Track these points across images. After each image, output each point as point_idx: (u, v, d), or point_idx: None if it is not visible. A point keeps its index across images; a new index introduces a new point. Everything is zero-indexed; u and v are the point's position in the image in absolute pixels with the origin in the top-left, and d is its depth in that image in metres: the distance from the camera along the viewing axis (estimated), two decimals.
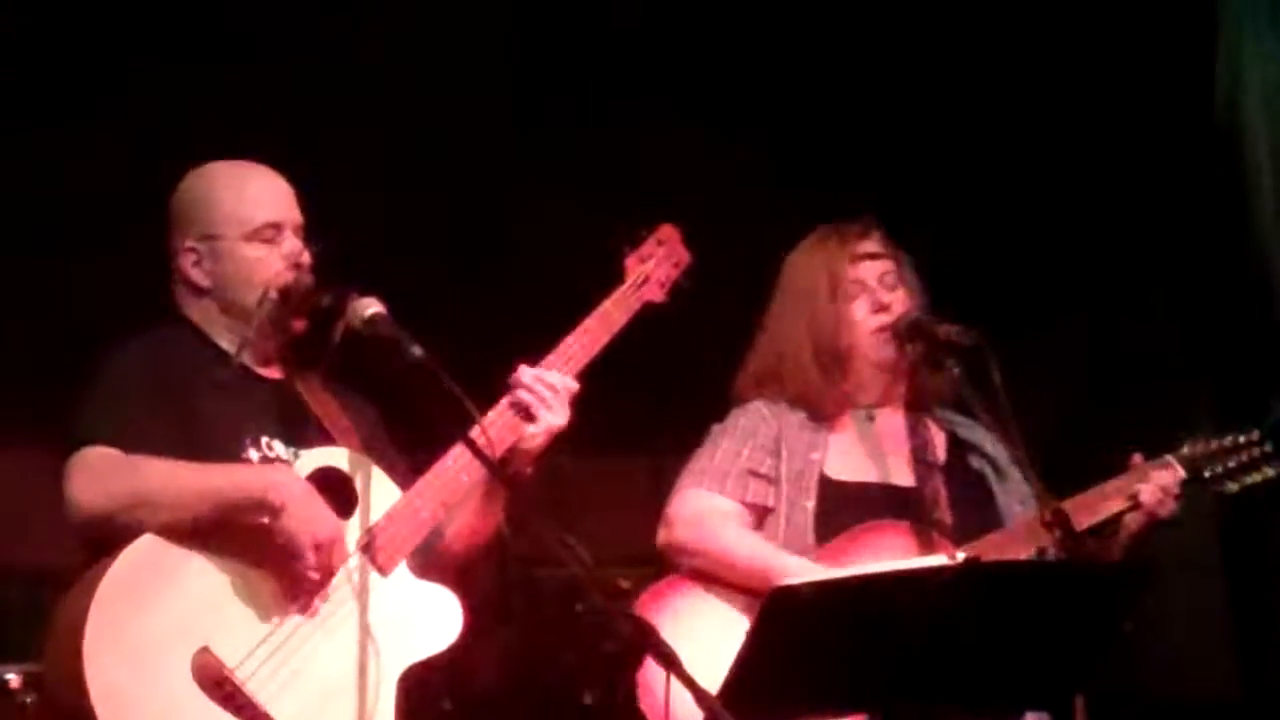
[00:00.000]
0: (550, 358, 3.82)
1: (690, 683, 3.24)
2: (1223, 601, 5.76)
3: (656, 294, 4.02)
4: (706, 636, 3.95)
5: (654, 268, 4.03)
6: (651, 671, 3.85)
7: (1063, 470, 4.26)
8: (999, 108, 5.82)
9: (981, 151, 5.84)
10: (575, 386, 3.79)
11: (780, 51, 5.82)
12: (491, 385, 3.77)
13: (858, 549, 4.12)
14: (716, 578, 4.17)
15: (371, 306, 3.58)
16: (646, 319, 4.00)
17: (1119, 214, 5.84)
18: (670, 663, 3.25)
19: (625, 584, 3.76)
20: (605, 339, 3.88)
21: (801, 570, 4.03)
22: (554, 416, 3.75)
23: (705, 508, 4.23)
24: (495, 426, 3.70)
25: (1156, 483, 4.12)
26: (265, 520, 3.51)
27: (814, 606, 3.37)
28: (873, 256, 4.29)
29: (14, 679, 4.61)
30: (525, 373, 3.77)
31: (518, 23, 5.66)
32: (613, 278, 3.98)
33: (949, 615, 3.39)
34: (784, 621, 3.36)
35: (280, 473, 3.60)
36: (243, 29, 5.41)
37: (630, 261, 4.02)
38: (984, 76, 5.81)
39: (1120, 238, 5.83)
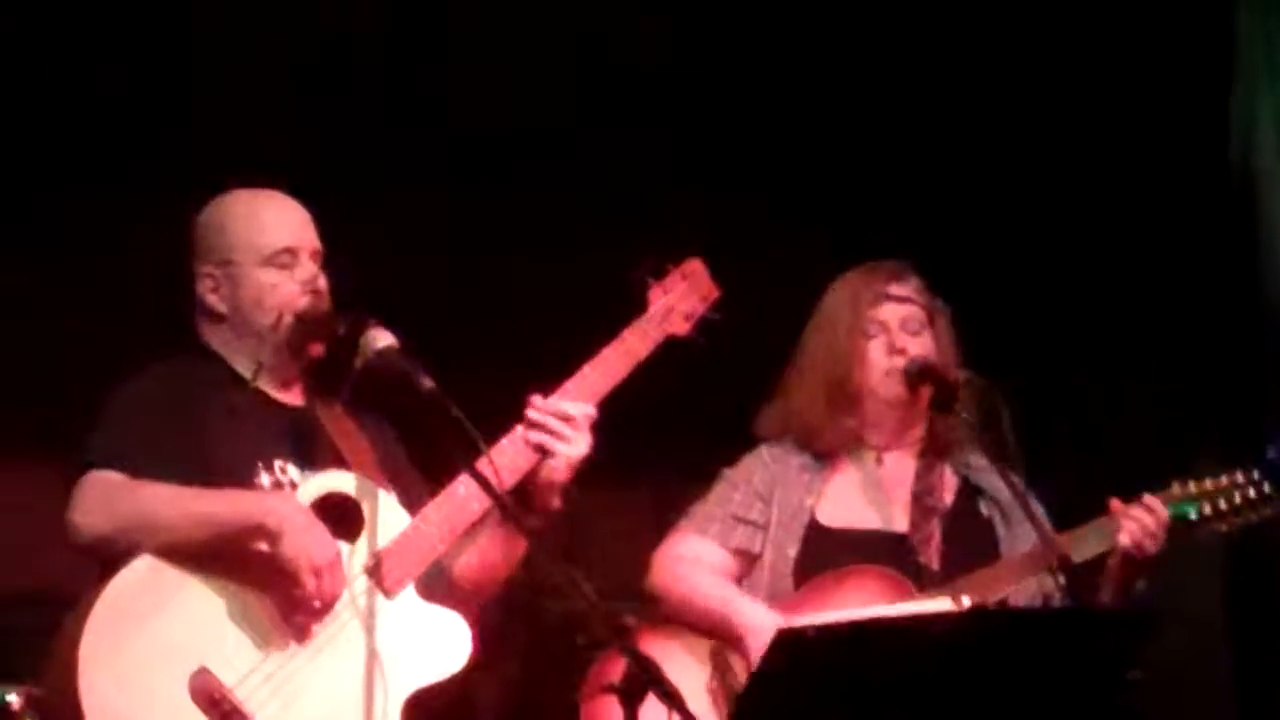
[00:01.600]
0: (567, 386, 3.79)
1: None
2: (1227, 659, 5.74)
3: (680, 327, 3.99)
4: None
5: (678, 300, 4.00)
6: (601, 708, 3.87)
7: (1071, 517, 4.25)
8: (1005, 153, 5.83)
9: (985, 197, 5.85)
10: (593, 413, 3.76)
11: (799, 91, 5.83)
12: (510, 411, 3.75)
13: (831, 594, 4.11)
14: (684, 623, 4.17)
15: (382, 339, 3.58)
16: (654, 355, 3.98)
17: (1129, 257, 5.84)
18: (672, 700, 3.25)
19: (630, 620, 3.77)
20: (625, 371, 3.86)
21: (756, 614, 4.05)
22: (572, 448, 3.72)
23: (683, 553, 4.25)
24: (507, 455, 3.68)
25: (1137, 522, 4.06)
26: (264, 546, 3.51)
27: (817, 649, 3.36)
28: (899, 300, 4.28)
29: (15, 700, 4.60)
30: (538, 403, 3.74)
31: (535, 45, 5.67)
32: (636, 307, 3.96)
33: (951, 660, 3.38)
34: (787, 663, 3.35)
35: (278, 499, 3.60)
36: (243, 34, 5.43)
37: (653, 293, 3.99)
38: (994, 124, 5.82)
39: (1129, 281, 5.83)
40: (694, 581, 4.19)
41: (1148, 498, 4.10)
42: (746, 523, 4.24)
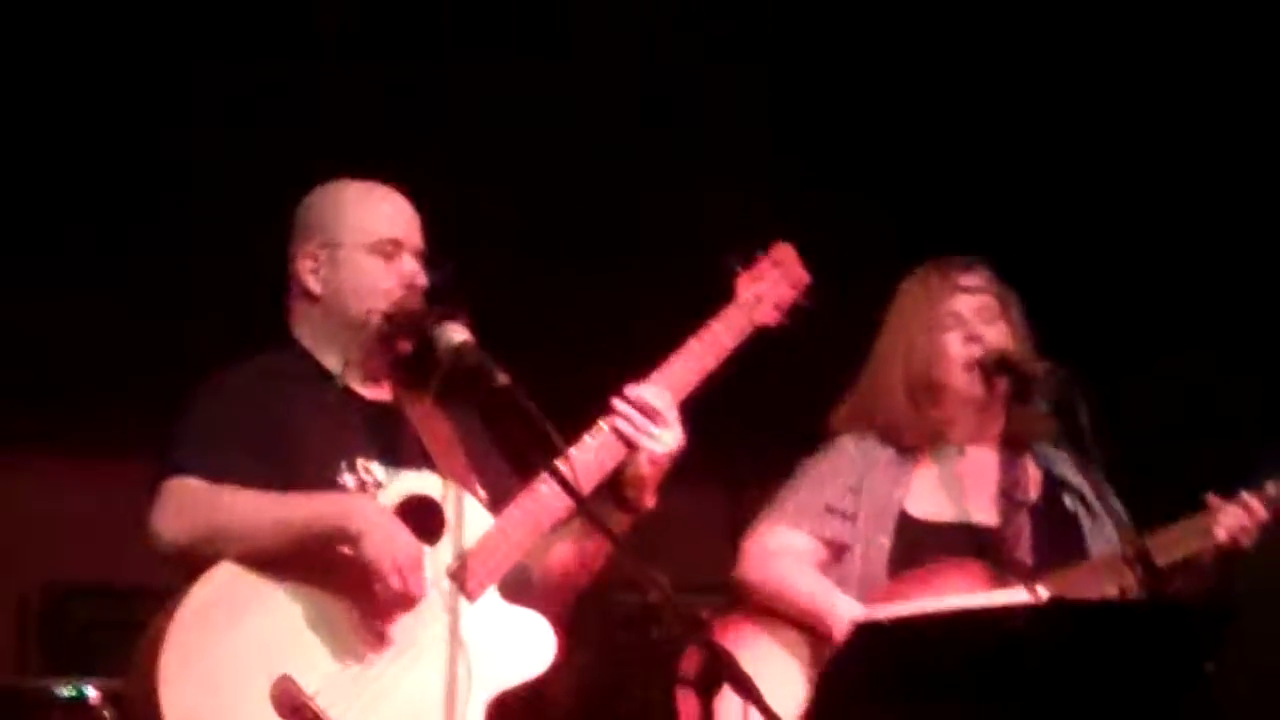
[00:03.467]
0: (654, 377, 3.72)
1: (769, 713, 3.22)
2: None
3: (770, 316, 3.89)
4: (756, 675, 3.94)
5: (768, 289, 3.90)
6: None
7: (1146, 511, 4.24)
8: (1098, 148, 5.81)
9: (1076, 192, 5.82)
10: (673, 404, 3.67)
11: (886, 91, 5.82)
12: (598, 402, 3.70)
13: (925, 587, 4.12)
14: (780, 614, 4.19)
15: (458, 335, 3.54)
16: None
17: (1211, 255, 5.82)
18: (749, 692, 3.24)
19: (705, 612, 3.75)
20: (713, 362, 3.77)
21: (851, 609, 4.07)
22: (657, 444, 3.65)
23: (776, 545, 4.25)
24: (592, 451, 3.63)
25: (1235, 519, 4.10)
26: (346, 550, 3.48)
27: (896, 641, 3.36)
28: (971, 290, 4.27)
29: (94, 695, 4.65)
30: (621, 399, 3.66)
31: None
32: (723, 297, 3.86)
33: (1030, 653, 3.36)
34: (865, 654, 3.35)
35: (359, 501, 3.57)
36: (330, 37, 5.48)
37: (742, 281, 3.88)
38: (1084, 117, 5.80)
39: (1211, 280, 5.81)
40: (788, 575, 4.20)
41: (1245, 495, 4.14)
42: (838, 514, 4.24)
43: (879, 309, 4.39)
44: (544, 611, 3.65)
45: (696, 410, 3.79)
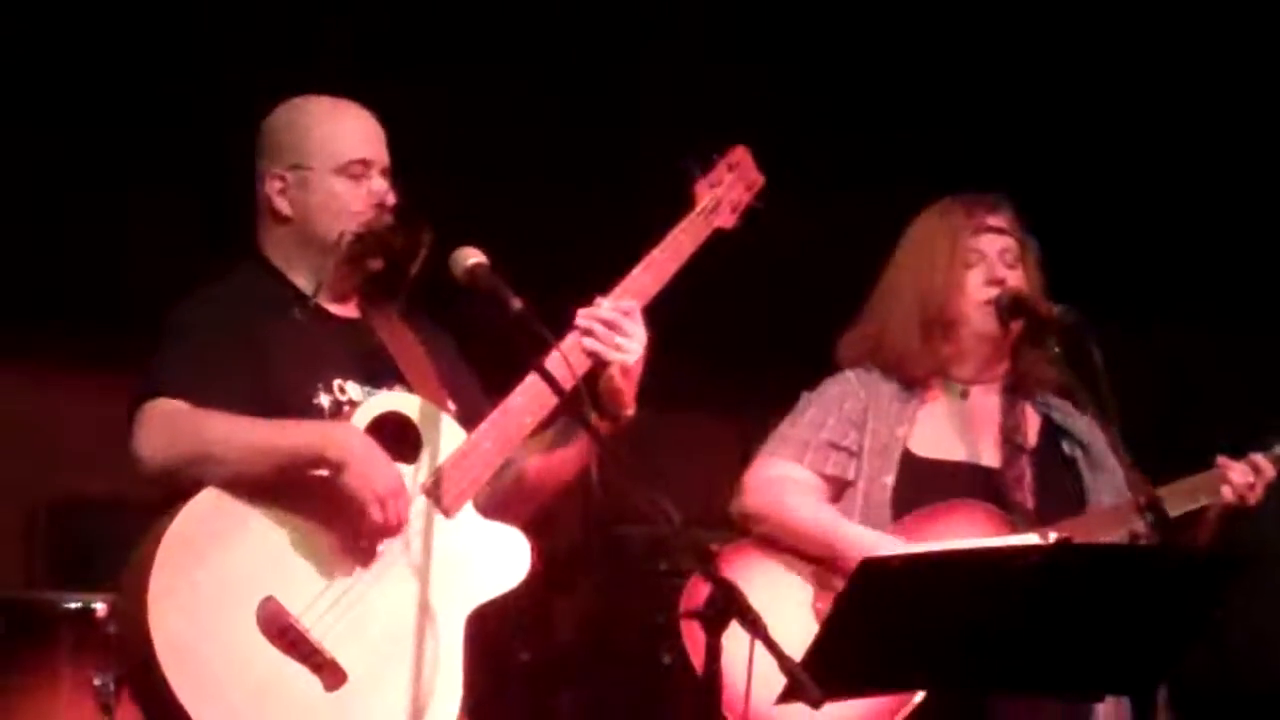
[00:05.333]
0: (618, 289, 3.73)
1: (775, 648, 3.23)
2: None
3: (728, 220, 3.90)
4: (765, 603, 3.95)
5: (725, 192, 3.90)
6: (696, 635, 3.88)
7: (1153, 466, 4.22)
8: (1111, 101, 5.78)
9: (1089, 146, 5.80)
10: (636, 307, 3.68)
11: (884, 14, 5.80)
12: (560, 317, 3.70)
13: (934, 527, 4.12)
14: (783, 545, 4.18)
15: (473, 257, 3.54)
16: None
17: (1225, 212, 5.80)
18: (755, 627, 3.24)
19: (714, 546, 3.76)
20: (674, 268, 3.78)
21: (863, 539, 4.06)
22: (626, 355, 3.65)
23: (778, 475, 4.25)
24: (564, 364, 3.62)
25: (1243, 479, 4.10)
26: (327, 475, 3.51)
27: (903, 580, 3.36)
28: (997, 231, 4.25)
29: (101, 608, 4.67)
30: (584, 313, 3.67)
31: None
32: (682, 204, 3.85)
33: (1037, 596, 3.37)
34: (872, 593, 3.34)
35: (339, 429, 3.58)
36: None
37: (700, 187, 3.88)
38: (1102, 73, 5.77)
39: (1227, 237, 5.79)
40: (794, 504, 4.19)
41: (1254, 456, 4.14)
42: (841, 449, 4.24)
43: (890, 240, 4.37)
44: (514, 519, 3.68)
45: (708, 343, 3.78)
